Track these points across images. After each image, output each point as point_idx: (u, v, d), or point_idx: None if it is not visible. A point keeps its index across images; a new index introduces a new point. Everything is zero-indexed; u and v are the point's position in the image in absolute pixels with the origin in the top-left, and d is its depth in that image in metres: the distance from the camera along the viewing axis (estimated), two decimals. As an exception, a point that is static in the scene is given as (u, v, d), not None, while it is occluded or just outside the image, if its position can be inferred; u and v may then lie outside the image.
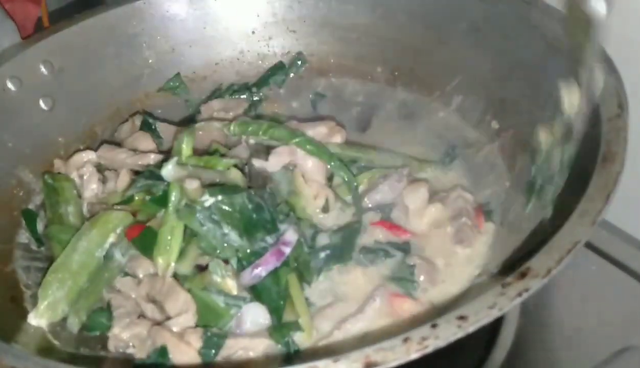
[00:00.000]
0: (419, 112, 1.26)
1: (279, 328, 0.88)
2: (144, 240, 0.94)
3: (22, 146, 1.15)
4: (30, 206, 1.12)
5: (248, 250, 0.91)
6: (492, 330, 0.98)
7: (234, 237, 0.90)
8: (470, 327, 0.66)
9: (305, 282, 0.94)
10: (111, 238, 0.96)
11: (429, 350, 0.65)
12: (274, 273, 0.90)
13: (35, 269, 1.02)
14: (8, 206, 1.09)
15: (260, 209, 0.93)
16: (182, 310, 0.89)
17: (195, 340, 0.86)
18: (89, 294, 0.94)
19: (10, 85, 1.16)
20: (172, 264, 0.92)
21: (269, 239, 0.92)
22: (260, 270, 0.89)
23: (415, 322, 0.76)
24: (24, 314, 0.93)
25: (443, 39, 1.25)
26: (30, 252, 1.05)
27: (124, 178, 1.04)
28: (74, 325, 0.92)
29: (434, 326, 0.67)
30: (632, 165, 0.84)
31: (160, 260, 0.92)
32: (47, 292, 0.92)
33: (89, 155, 1.12)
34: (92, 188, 1.07)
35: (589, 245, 1.08)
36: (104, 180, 1.08)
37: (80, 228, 0.97)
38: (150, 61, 1.34)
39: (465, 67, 1.22)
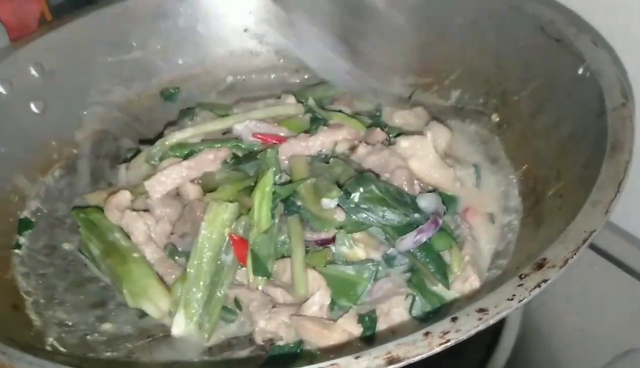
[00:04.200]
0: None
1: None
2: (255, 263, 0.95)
3: (15, 151, 1.12)
4: (26, 212, 1.10)
5: (403, 223, 0.95)
6: (494, 331, 0.97)
7: (390, 215, 0.94)
8: (491, 319, 0.66)
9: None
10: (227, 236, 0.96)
11: (451, 343, 0.64)
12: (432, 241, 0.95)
13: (35, 275, 1.01)
14: (4, 212, 1.06)
15: (399, 191, 0.98)
16: (314, 288, 0.91)
17: (354, 328, 0.88)
18: (213, 304, 0.94)
19: (0, 88, 1.13)
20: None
21: (417, 215, 0.95)
22: (422, 236, 0.93)
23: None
24: (27, 322, 0.91)
25: (440, 33, 1.24)
26: (29, 258, 1.03)
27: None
28: (205, 338, 0.93)
29: (454, 319, 0.66)
30: (635, 165, 0.82)
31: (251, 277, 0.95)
32: (190, 310, 0.93)
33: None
34: (142, 230, 1.03)
35: (591, 246, 1.06)
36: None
37: (198, 236, 0.95)
38: (141, 61, 1.32)
39: (463, 60, 1.22)
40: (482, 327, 0.65)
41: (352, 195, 0.95)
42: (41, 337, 0.89)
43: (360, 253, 0.95)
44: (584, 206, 0.76)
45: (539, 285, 0.68)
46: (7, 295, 0.95)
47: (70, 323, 0.94)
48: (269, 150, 1.05)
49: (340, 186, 0.97)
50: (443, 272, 0.93)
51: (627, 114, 0.86)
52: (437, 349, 0.64)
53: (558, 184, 0.93)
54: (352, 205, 0.95)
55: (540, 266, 0.70)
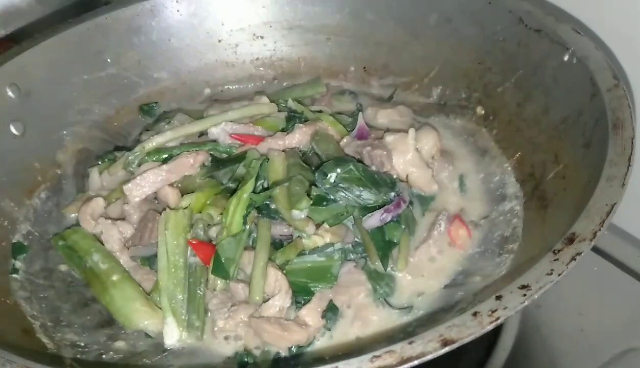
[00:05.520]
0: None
1: (381, 276, 0.97)
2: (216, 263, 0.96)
3: (-2, 174, 1.08)
4: (18, 236, 1.06)
5: (379, 202, 0.99)
6: (493, 331, 0.95)
7: (366, 195, 0.98)
8: (535, 294, 0.67)
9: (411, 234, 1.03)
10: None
11: (501, 321, 0.66)
12: (385, 226, 1.00)
13: (37, 299, 0.97)
14: (-5, 238, 1.03)
15: (377, 172, 1.03)
16: (276, 290, 0.91)
17: (316, 321, 0.90)
18: (197, 303, 0.94)
19: (-23, 111, 1.09)
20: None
21: (392, 194, 1.01)
22: (387, 215, 0.98)
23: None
24: (41, 346, 0.88)
25: (414, 32, 1.27)
26: (28, 282, 1.00)
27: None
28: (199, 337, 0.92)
29: (498, 298, 0.68)
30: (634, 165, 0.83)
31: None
32: (179, 317, 0.92)
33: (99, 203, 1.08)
34: (116, 238, 1.02)
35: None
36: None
37: (159, 246, 0.95)
38: (117, 77, 1.30)
39: (441, 58, 1.24)
40: (527, 302, 0.67)
41: (329, 175, 0.98)
42: (58, 359, 0.86)
43: (319, 241, 0.96)
44: (599, 182, 0.78)
45: (574, 258, 0.70)
46: (15, 320, 0.92)
47: (82, 344, 0.91)
48: (253, 160, 1.05)
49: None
50: (385, 254, 0.98)
51: (622, 94, 0.90)
52: (489, 327, 0.65)
53: (557, 167, 0.96)
54: (327, 185, 0.98)
55: (571, 241, 0.72)
